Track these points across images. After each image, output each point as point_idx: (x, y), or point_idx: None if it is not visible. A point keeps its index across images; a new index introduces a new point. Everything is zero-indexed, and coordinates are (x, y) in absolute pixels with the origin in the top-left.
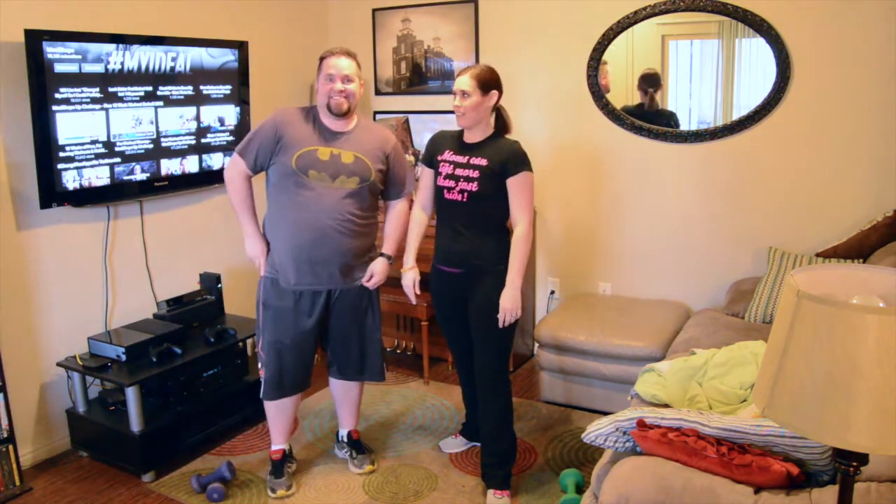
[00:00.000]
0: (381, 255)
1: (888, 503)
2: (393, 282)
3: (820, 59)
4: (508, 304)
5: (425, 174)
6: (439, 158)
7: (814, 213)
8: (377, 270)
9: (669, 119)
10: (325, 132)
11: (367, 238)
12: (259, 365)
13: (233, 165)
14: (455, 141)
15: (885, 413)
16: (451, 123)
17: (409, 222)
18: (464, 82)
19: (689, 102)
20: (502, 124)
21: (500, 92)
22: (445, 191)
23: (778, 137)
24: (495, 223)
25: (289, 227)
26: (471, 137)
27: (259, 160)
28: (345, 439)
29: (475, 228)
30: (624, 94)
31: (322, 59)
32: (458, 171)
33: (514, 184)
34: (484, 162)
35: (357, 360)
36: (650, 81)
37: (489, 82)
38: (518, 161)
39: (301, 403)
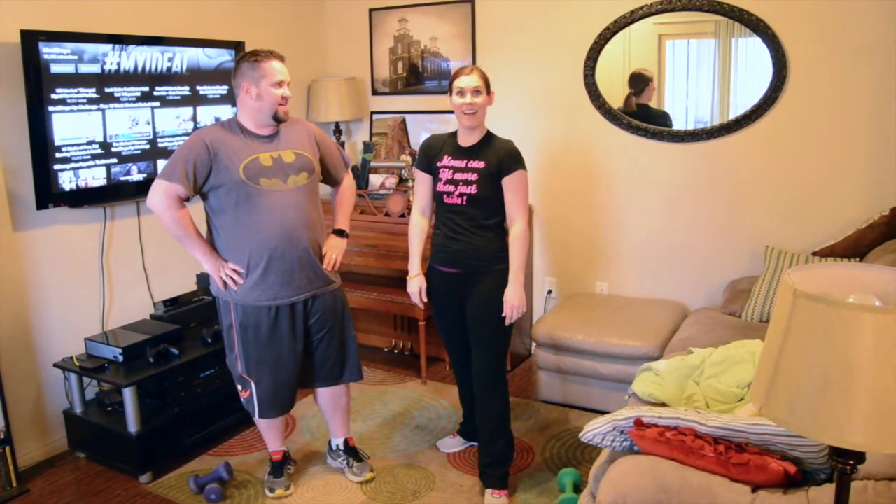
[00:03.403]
0: (333, 231)
1: (885, 501)
2: (389, 281)
3: (816, 58)
4: (515, 301)
5: (421, 179)
6: (438, 165)
7: (810, 212)
8: (331, 246)
9: (665, 120)
10: (256, 139)
11: (323, 232)
12: (240, 387)
13: (160, 194)
14: (451, 145)
15: (881, 411)
16: (448, 123)
17: (355, 194)
18: (475, 80)
19: (686, 102)
20: None
21: None
22: (445, 195)
23: (774, 137)
24: (493, 223)
25: (257, 241)
26: (467, 140)
27: (198, 180)
28: (340, 447)
29: (473, 229)
30: (621, 94)
31: (256, 61)
32: (458, 176)
33: (509, 183)
34: (482, 164)
35: (338, 364)
36: (632, 82)
37: (489, 82)
38: (513, 160)
39: (298, 403)
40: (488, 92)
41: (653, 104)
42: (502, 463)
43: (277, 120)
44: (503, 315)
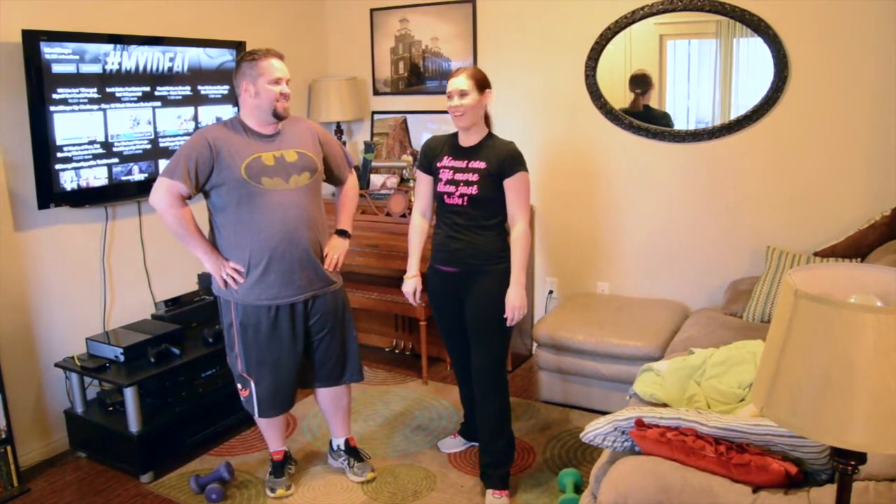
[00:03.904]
0: (336, 231)
1: (886, 502)
2: (390, 281)
3: (817, 58)
4: (517, 302)
5: (422, 180)
6: (438, 165)
7: (812, 213)
8: (333, 247)
9: (667, 121)
10: (258, 139)
11: (325, 232)
12: (239, 386)
13: (163, 192)
14: (452, 146)
15: (882, 412)
16: (449, 124)
17: (358, 194)
18: (462, 82)
19: (687, 102)
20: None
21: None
22: (446, 196)
23: (775, 137)
24: (493, 223)
25: (258, 240)
26: (467, 140)
27: (200, 178)
28: (341, 447)
29: (473, 229)
30: (622, 94)
31: (253, 60)
32: (458, 176)
33: (510, 184)
34: (482, 165)
35: (339, 364)
36: (636, 82)
37: (483, 81)
38: (514, 161)
39: (299, 403)
40: (481, 91)
41: (653, 105)
42: (503, 463)
43: (277, 117)
44: (505, 316)
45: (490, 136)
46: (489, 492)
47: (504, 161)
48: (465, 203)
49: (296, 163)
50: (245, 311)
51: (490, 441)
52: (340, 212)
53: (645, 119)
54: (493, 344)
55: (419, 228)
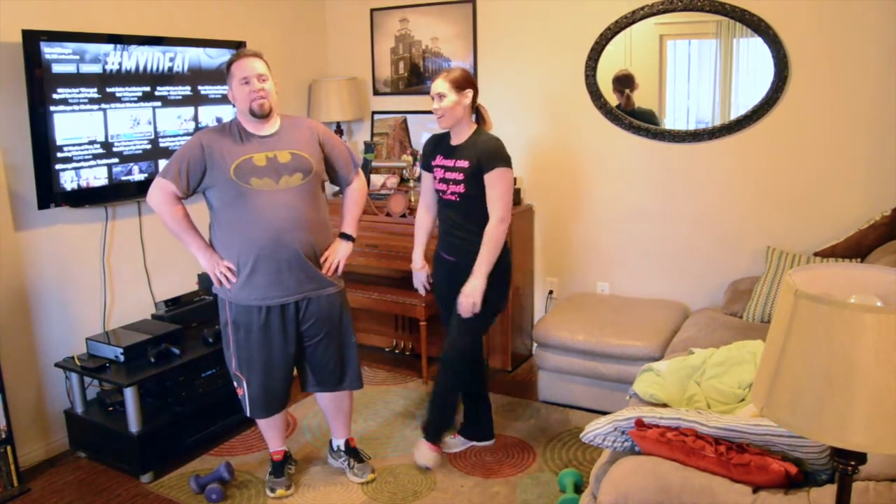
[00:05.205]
0: (340, 234)
1: (886, 502)
2: (390, 281)
3: (817, 58)
4: (468, 289)
5: (425, 178)
6: (433, 164)
7: (812, 213)
8: (334, 250)
9: (651, 118)
10: (253, 140)
11: (324, 234)
12: (235, 384)
13: (157, 190)
14: (444, 144)
15: (882, 412)
16: None
17: (365, 196)
18: (438, 85)
19: (687, 102)
20: (481, 122)
21: (476, 90)
22: (440, 193)
23: (776, 137)
24: (485, 219)
25: (245, 240)
26: (456, 139)
27: (191, 180)
28: (341, 448)
29: (467, 224)
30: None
31: (230, 65)
32: (448, 175)
33: (487, 180)
34: (466, 164)
35: (336, 371)
36: (624, 82)
37: (462, 82)
38: (490, 157)
39: (299, 403)
40: (459, 92)
41: (641, 103)
42: (441, 424)
43: (255, 115)
44: (481, 308)
45: (477, 132)
46: (424, 444)
47: (481, 157)
48: (457, 200)
49: (288, 164)
50: (237, 311)
51: (432, 409)
52: (345, 214)
53: (633, 117)
54: (461, 330)
55: (423, 223)
